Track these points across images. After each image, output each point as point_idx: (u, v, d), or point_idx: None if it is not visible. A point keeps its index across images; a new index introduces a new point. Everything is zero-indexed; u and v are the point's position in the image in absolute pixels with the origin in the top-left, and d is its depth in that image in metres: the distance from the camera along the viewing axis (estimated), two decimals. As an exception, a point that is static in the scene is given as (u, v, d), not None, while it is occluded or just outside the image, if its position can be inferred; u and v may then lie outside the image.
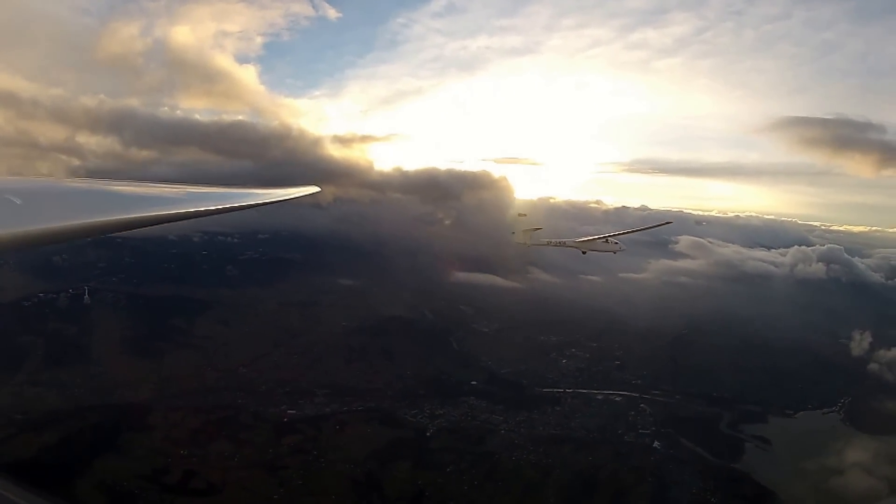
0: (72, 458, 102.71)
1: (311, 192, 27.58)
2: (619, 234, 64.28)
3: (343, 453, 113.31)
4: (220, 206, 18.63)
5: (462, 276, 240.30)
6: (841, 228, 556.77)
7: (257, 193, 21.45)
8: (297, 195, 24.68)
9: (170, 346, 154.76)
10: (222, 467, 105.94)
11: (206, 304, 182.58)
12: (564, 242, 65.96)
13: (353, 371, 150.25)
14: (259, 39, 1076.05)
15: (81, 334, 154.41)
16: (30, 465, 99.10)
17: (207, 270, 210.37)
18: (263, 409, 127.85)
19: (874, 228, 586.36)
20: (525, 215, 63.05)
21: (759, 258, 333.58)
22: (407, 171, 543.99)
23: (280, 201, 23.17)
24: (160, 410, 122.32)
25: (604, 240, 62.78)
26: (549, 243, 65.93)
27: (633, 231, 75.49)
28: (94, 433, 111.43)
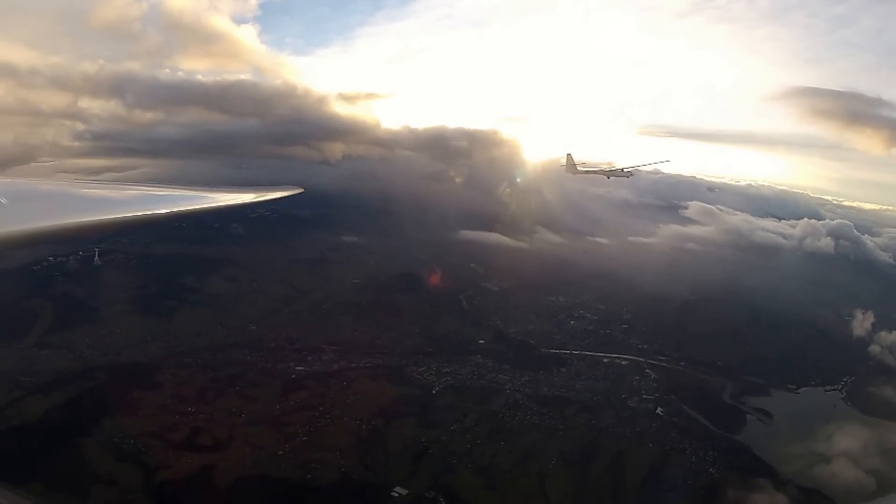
0: (79, 418, 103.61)
1: (293, 192, 27.98)
2: (630, 168, 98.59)
3: (349, 409, 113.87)
4: (200, 207, 19.12)
5: (472, 234, 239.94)
6: (853, 204, 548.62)
7: (241, 195, 21.93)
8: (279, 196, 25.17)
9: (180, 305, 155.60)
10: (229, 424, 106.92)
11: (216, 262, 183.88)
12: (595, 171, 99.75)
13: (362, 328, 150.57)
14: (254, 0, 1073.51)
15: (91, 296, 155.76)
16: (36, 426, 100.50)
17: (218, 229, 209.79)
18: (272, 365, 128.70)
19: (886, 207, 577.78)
20: (571, 154, 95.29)
21: (769, 229, 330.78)
22: (416, 129, 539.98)
23: (263, 201, 23.74)
24: (169, 369, 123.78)
25: (621, 170, 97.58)
26: (587, 172, 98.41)
27: (639, 166, 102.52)
28: (102, 393, 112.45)
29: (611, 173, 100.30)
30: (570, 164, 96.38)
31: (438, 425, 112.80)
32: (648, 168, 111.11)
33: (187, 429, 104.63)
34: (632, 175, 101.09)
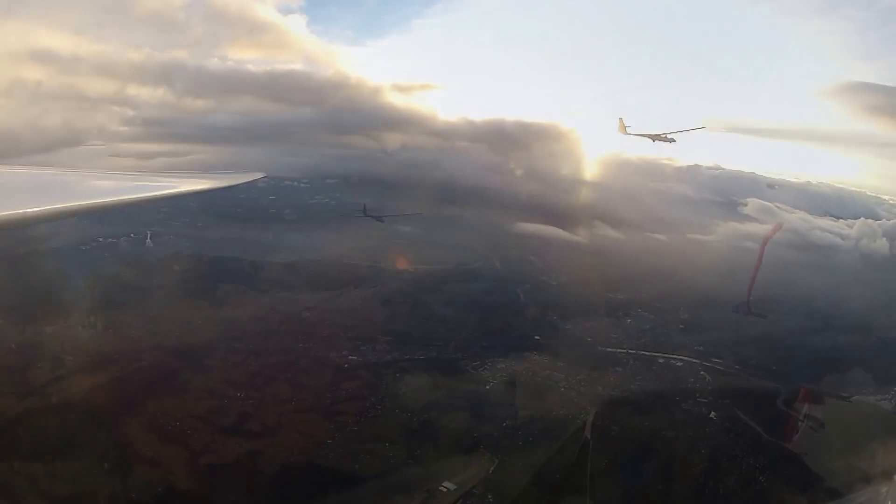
0: (123, 398, 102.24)
1: (256, 177, 27.66)
2: (672, 134, 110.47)
3: (401, 401, 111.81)
4: (163, 193, 18.45)
5: (531, 227, 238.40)
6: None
7: (204, 181, 21.20)
8: (242, 181, 24.92)
9: (233, 290, 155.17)
10: (278, 410, 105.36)
11: (272, 248, 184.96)
12: (643, 134, 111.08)
13: (417, 319, 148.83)
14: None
15: (141, 277, 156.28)
16: (78, 406, 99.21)
17: (275, 215, 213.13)
18: (324, 353, 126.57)
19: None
20: (622, 119, 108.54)
21: (826, 228, 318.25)
22: (473, 121, 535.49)
23: (225, 187, 23.09)
24: (219, 353, 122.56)
25: (664, 135, 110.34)
26: (636, 135, 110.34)
27: (678, 132, 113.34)
28: (149, 374, 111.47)
29: (655, 137, 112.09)
30: (622, 126, 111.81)
31: (490, 421, 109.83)
32: (685, 134, 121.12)
33: (235, 414, 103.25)
34: (674, 141, 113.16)
